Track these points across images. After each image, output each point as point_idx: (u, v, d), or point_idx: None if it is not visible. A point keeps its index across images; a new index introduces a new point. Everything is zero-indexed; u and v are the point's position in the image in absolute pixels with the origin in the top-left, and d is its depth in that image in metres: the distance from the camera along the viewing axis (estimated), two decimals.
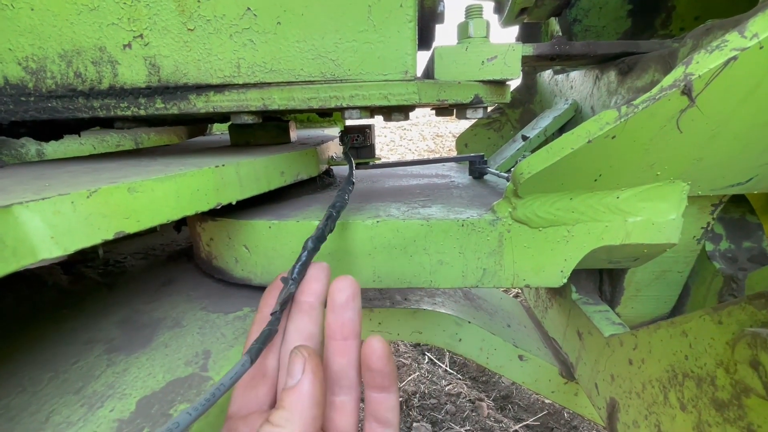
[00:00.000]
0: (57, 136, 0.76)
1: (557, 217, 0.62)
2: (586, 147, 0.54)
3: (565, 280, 0.66)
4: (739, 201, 0.78)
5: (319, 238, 0.58)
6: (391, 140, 9.78)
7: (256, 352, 0.47)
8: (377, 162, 0.95)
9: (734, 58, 0.44)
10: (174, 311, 0.70)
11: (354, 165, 0.79)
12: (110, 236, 0.44)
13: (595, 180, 0.59)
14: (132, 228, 0.45)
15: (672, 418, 0.54)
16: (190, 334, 0.63)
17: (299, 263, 0.56)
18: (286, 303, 0.53)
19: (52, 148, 1.33)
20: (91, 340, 0.63)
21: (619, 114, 0.51)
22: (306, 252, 0.56)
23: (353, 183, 0.70)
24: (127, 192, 0.45)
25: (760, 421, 0.41)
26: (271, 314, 0.52)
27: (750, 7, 0.53)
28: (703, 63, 0.46)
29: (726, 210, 0.78)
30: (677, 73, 0.47)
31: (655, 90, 0.49)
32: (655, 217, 0.61)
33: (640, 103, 0.49)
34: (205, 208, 0.55)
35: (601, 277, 0.88)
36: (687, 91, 0.47)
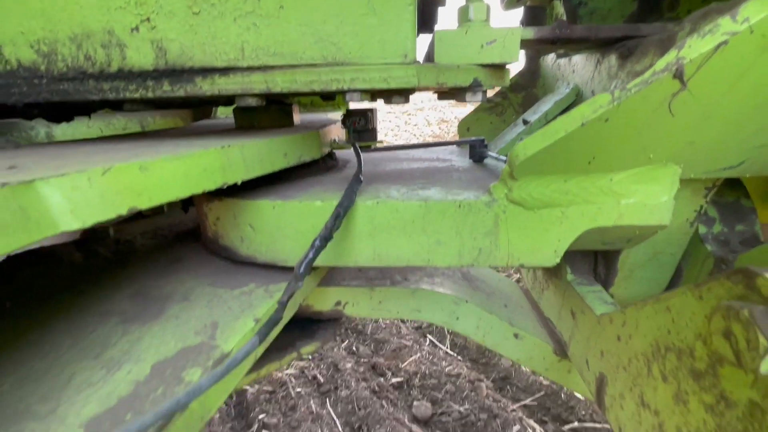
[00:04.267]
0: (68, 118, 0.78)
1: (552, 198, 0.64)
2: (580, 130, 0.55)
3: (558, 260, 0.68)
4: (734, 185, 0.79)
5: (326, 238, 0.61)
6: (396, 125, 9.71)
7: (264, 333, 0.51)
8: (379, 145, 0.97)
9: (725, 42, 0.45)
10: (183, 287, 0.74)
11: (361, 159, 0.81)
12: (124, 211, 0.46)
13: (589, 162, 0.61)
14: (144, 204, 0.48)
15: (654, 389, 0.57)
16: (199, 307, 0.66)
17: (306, 260, 0.59)
18: (292, 295, 0.57)
19: (61, 131, 1.35)
20: (106, 311, 0.67)
21: (612, 97, 0.52)
22: (313, 250, 0.60)
23: (361, 181, 0.72)
24: (138, 170, 0.48)
25: (731, 387, 0.43)
26: (278, 303, 0.56)
27: None
28: (695, 47, 0.47)
29: (721, 194, 0.80)
30: (670, 57, 0.48)
31: (647, 74, 0.50)
32: (648, 199, 0.63)
33: (633, 86, 0.51)
34: (212, 186, 0.58)
35: (596, 259, 0.90)
36: (678, 75, 0.48)
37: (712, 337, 0.43)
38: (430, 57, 0.69)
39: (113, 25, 0.59)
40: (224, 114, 1.83)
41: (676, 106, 0.52)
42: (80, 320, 0.65)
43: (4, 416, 0.45)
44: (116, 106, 0.72)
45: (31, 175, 0.40)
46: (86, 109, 0.80)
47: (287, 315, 0.71)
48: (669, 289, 0.87)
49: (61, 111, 0.76)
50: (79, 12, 0.59)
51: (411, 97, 0.77)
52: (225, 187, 0.61)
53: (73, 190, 0.41)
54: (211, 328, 0.61)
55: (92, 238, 1.01)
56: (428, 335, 2.91)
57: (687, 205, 0.75)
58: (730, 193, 0.80)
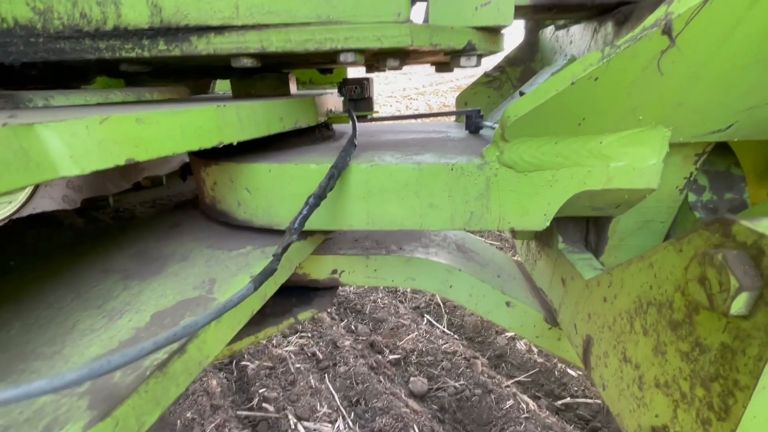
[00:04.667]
0: (66, 80, 0.79)
1: (542, 161, 0.65)
2: (570, 89, 0.56)
3: (548, 223, 0.70)
4: (724, 153, 0.80)
5: (320, 196, 0.62)
6: (397, 110, 9.64)
7: (259, 281, 0.52)
8: (375, 115, 0.97)
9: None
10: (182, 248, 0.76)
11: (356, 125, 0.81)
12: (122, 162, 0.48)
13: (579, 124, 0.62)
14: (141, 156, 0.49)
15: (635, 343, 0.59)
16: (198, 266, 0.68)
17: (300, 216, 0.61)
18: (287, 248, 0.58)
19: (59, 103, 1.36)
20: (107, 269, 0.69)
21: (602, 55, 0.53)
22: (307, 207, 0.61)
23: (356, 145, 0.73)
24: (135, 122, 0.49)
25: (705, 333, 0.45)
26: (273, 255, 0.57)
27: None
28: (684, 1, 0.47)
29: (711, 162, 0.80)
30: (659, 12, 0.49)
31: (637, 30, 0.50)
32: (637, 163, 0.64)
33: (623, 43, 0.51)
34: (208, 144, 0.59)
35: (587, 228, 0.92)
36: (667, 30, 0.49)
37: (688, 285, 0.45)
38: (427, 17, 0.69)
39: None
40: (222, 90, 1.82)
41: (665, 64, 0.52)
42: (82, 277, 0.67)
43: (13, 356, 0.47)
44: (113, 67, 0.72)
45: (31, 120, 0.41)
46: (83, 72, 0.80)
47: (283, 273, 0.73)
48: None
49: (59, 72, 0.76)
50: None
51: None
52: (221, 146, 0.62)
53: (72, 136, 0.43)
54: (209, 283, 0.63)
55: (92, 206, 1.03)
56: (426, 315, 2.95)
57: (677, 172, 0.76)
58: (720, 162, 0.81)
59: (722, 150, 0.80)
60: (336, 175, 0.63)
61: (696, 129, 0.63)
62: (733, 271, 0.38)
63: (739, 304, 0.38)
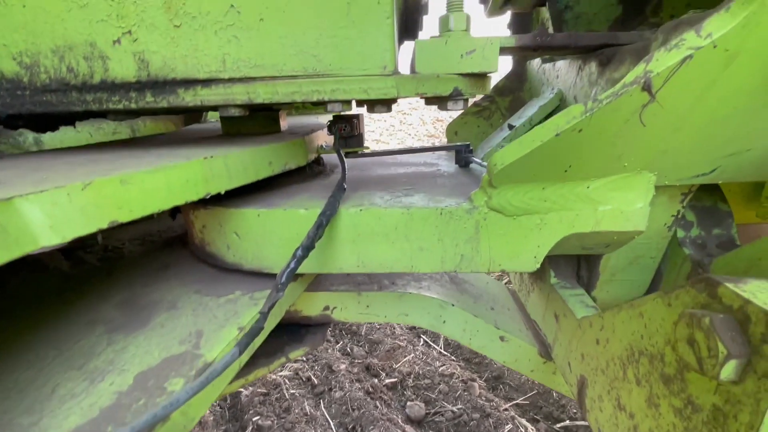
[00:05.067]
0: (53, 128, 0.79)
1: (530, 206, 0.66)
2: (554, 140, 0.56)
3: (538, 266, 0.70)
4: (711, 190, 0.81)
5: (309, 247, 0.62)
6: (391, 125, 9.71)
7: (244, 345, 0.51)
8: (365, 151, 0.98)
9: (690, 56, 0.46)
10: (170, 294, 0.74)
11: (345, 167, 0.81)
12: (105, 225, 0.47)
13: (566, 171, 0.62)
14: (125, 217, 0.49)
15: (629, 392, 0.58)
16: (185, 316, 0.67)
17: (288, 270, 0.60)
18: (273, 305, 0.57)
19: (50, 137, 1.35)
20: (92, 321, 0.67)
21: (585, 108, 0.53)
22: (295, 260, 0.60)
23: (344, 189, 0.72)
24: (119, 184, 0.48)
25: (697, 392, 0.45)
26: (260, 313, 0.56)
27: None
28: (662, 61, 0.48)
29: (698, 198, 0.81)
30: (638, 70, 0.50)
31: (618, 86, 0.51)
32: (624, 206, 0.64)
33: (605, 98, 0.52)
34: (195, 197, 0.59)
35: (579, 263, 0.92)
36: (647, 88, 0.50)
37: (678, 345, 0.45)
38: (414, 66, 0.70)
39: (95, 38, 0.60)
40: (215, 118, 1.83)
41: (647, 116, 0.53)
42: (66, 330, 0.65)
43: None
44: (100, 116, 0.72)
45: (11, 192, 0.41)
46: (71, 119, 0.80)
47: (271, 323, 0.72)
48: (650, 292, 0.89)
49: (46, 121, 0.76)
50: (61, 25, 0.60)
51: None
52: (208, 197, 0.61)
53: (53, 205, 0.42)
54: (195, 336, 0.62)
55: (80, 245, 1.01)
56: (422, 336, 2.92)
57: (665, 211, 0.76)
58: (707, 198, 0.82)
59: (708, 185, 0.81)
60: (324, 223, 0.63)
61: (681, 173, 0.63)
62: (721, 338, 0.38)
63: (728, 371, 0.38)
